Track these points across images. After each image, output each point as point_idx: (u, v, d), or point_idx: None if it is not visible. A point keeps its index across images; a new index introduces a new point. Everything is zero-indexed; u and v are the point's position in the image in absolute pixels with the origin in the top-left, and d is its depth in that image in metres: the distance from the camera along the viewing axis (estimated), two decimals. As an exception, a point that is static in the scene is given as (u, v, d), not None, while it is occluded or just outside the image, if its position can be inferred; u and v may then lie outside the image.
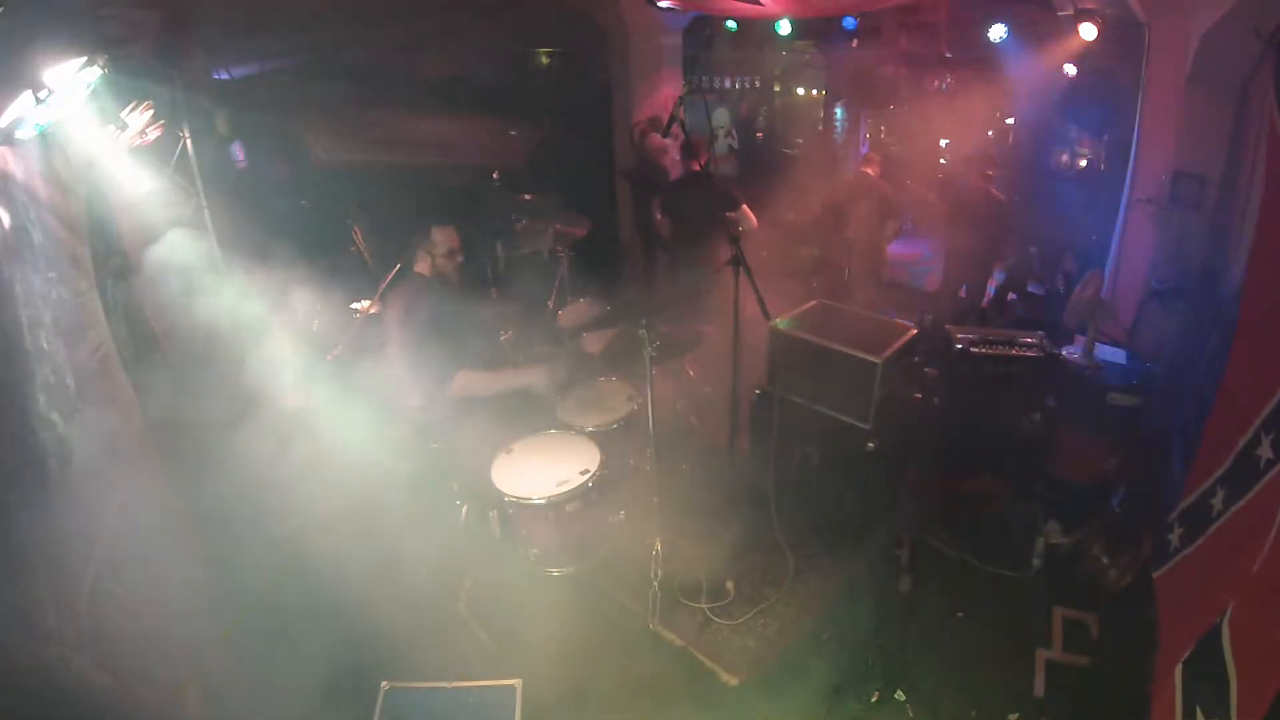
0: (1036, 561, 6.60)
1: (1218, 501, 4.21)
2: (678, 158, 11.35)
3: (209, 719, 5.08)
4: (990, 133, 13.84)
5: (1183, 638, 3.98)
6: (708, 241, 7.94)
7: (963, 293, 10.27)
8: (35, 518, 4.26)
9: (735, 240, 6.08)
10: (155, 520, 5.22)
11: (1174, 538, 4.68)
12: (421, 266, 6.32)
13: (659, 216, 10.23)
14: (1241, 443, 4.07)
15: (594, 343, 7.47)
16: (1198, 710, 3.71)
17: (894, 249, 11.36)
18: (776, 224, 9.79)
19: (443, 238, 6.41)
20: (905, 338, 6.69)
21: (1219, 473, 4.29)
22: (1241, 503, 3.96)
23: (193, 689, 5.07)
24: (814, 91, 16.92)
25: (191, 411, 6.18)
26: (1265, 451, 3.79)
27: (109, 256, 5.98)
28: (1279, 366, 3.88)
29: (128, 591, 4.87)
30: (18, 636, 4.10)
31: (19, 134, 4.36)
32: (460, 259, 6.62)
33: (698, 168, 9.75)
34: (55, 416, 4.56)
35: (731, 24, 12.70)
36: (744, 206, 9.26)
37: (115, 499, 4.90)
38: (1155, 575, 4.81)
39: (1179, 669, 3.90)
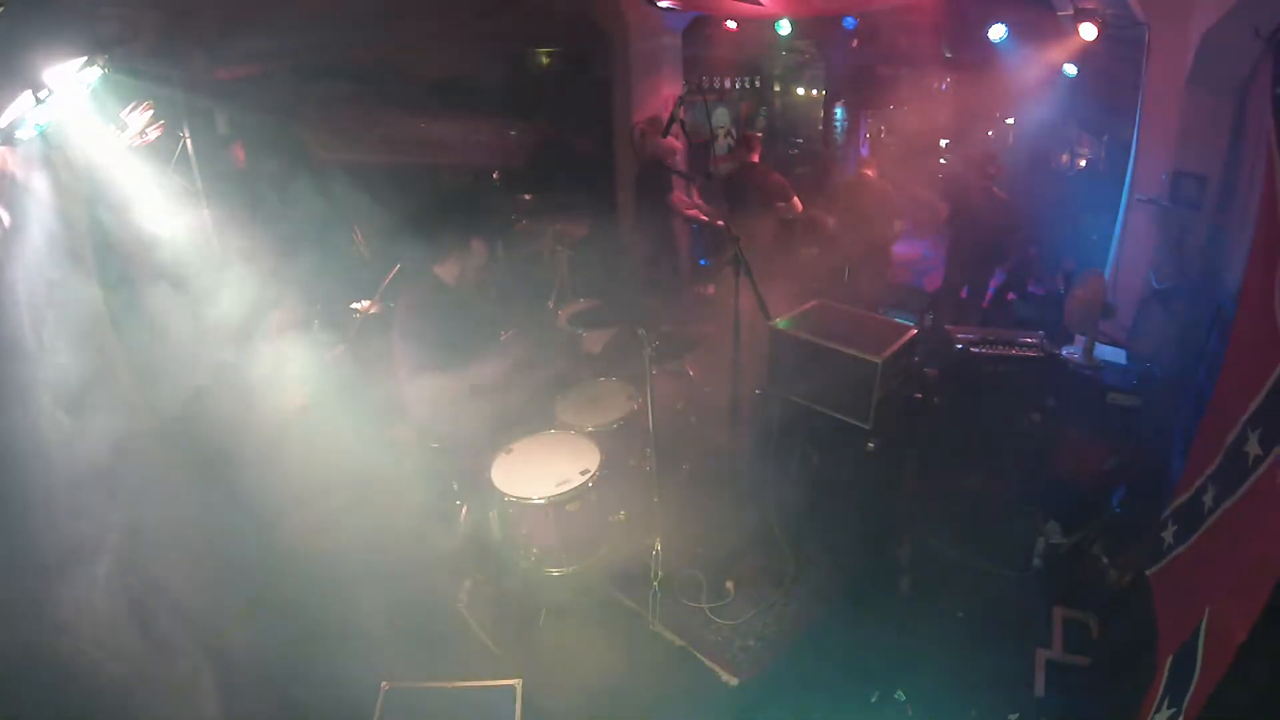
0: (1036, 561, 6.61)
1: (1208, 499, 4.23)
2: (678, 158, 11.41)
3: (218, 711, 5.10)
4: (990, 132, 13.87)
5: (1174, 634, 4.01)
6: (759, 230, 8.06)
7: (964, 293, 10.28)
8: (44, 514, 4.29)
9: (735, 240, 6.09)
10: (165, 515, 5.24)
11: (1168, 535, 4.70)
12: (447, 272, 6.30)
13: (699, 204, 10.48)
14: (1230, 439, 4.10)
15: (594, 342, 7.49)
16: (1165, 702, 3.76)
17: (895, 249, 11.37)
18: (776, 223, 9.87)
19: (481, 249, 6.43)
20: (905, 338, 6.70)
21: (1209, 470, 4.31)
22: (1231, 501, 3.97)
23: (203, 682, 5.10)
24: (814, 91, 16.92)
25: (196, 410, 6.22)
26: (1253, 448, 3.81)
27: (110, 256, 5.99)
28: (1265, 363, 3.89)
29: (140, 585, 4.91)
30: (31, 630, 4.13)
31: (19, 134, 4.39)
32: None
33: (755, 159, 9.95)
34: (60, 414, 4.58)
35: (732, 24, 12.68)
36: (795, 198, 9.47)
37: (125, 494, 4.93)
38: (1149, 573, 4.83)
39: (1168, 663, 3.93)
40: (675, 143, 10.94)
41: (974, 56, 12.20)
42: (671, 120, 6.87)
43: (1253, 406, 3.90)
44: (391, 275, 6.85)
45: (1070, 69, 10.18)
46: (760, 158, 10.24)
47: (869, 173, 10.29)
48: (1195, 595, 3.98)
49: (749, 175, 10.03)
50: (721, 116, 15.45)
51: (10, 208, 4.46)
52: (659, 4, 10.94)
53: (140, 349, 5.98)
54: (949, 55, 13.54)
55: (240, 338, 6.69)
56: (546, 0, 12.46)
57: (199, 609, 5.31)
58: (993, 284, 10.54)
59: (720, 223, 10.19)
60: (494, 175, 10.94)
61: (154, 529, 5.11)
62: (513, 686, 4.91)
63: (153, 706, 4.69)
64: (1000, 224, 9.60)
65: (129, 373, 5.59)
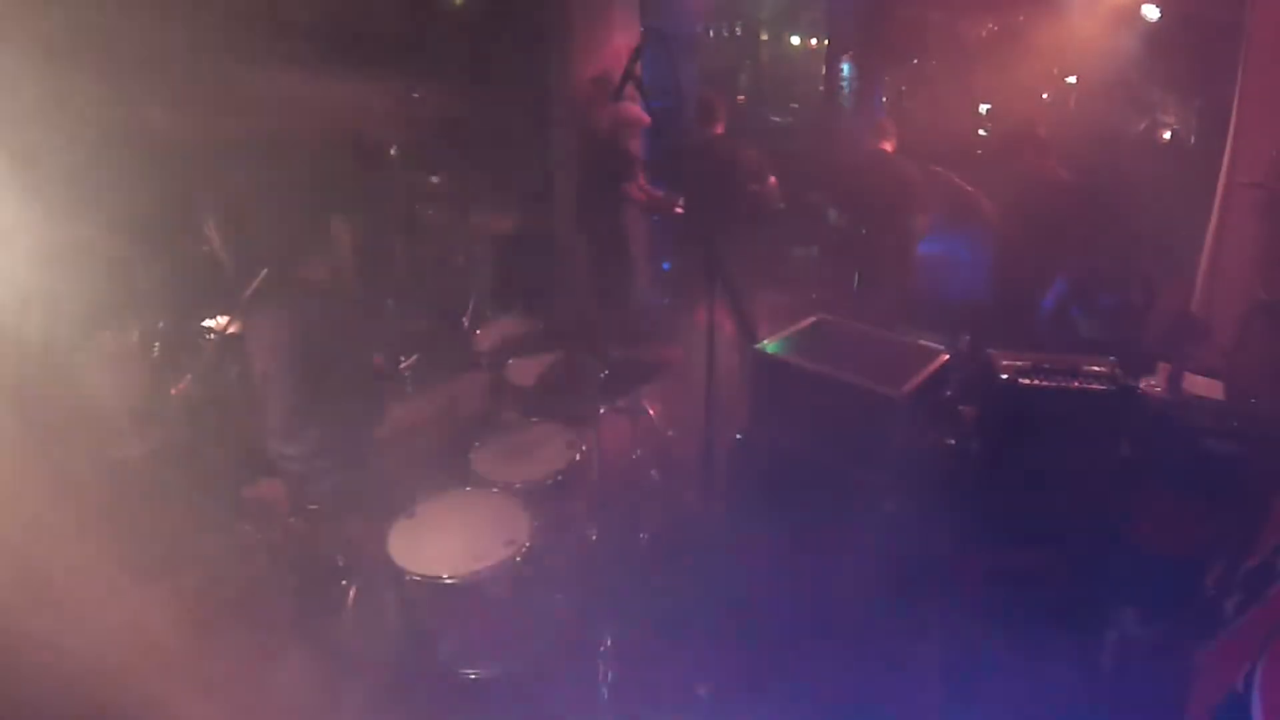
0: (1107, 660, 6.65)
1: None
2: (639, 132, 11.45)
3: None
4: (1046, 95, 13.98)
5: (1209, 699, 4.12)
6: (731, 223, 8.11)
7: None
8: None
9: (710, 238, 6.10)
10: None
11: (1230, 606, 4.79)
12: (316, 270, 6.31)
13: (645, 188, 10.44)
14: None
15: (523, 372, 7.52)
16: None
17: (921, 248, 11.40)
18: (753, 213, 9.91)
19: (346, 232, 6.44)
20: (934, 366, 6.76)
21: None
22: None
23: None
24: (813, 41, 17.01)
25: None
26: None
27: None
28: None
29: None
30: None
31: None
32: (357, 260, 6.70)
33: (719, 131, 9.98)
34: None
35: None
36: (772, 179, 9.50)
37: None
38: (1197, 656, 4.91)
39: None
40: (639, 112, 10.89)
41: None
42: (625, 79, 6.85)
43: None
44: (256, 284, 6.86)
45: (1151, 10, 10.30)
46: (727, 128, 10.26)
47: (886, 147, 10.33)
48: (1234, 658, 4.07)
49: (712, 152, 10.04)
50: (691, 73, 15.50)
51: None
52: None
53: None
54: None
55: (56, 368, 6.68)
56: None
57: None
58: (1050, 294, 10.58)
59: (678, 209, 10.28)
60: (390, 150, 10.93)
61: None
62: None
63: None
64: (1062, 216, 9.56)
65: None
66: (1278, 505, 4.79)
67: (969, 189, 10.44)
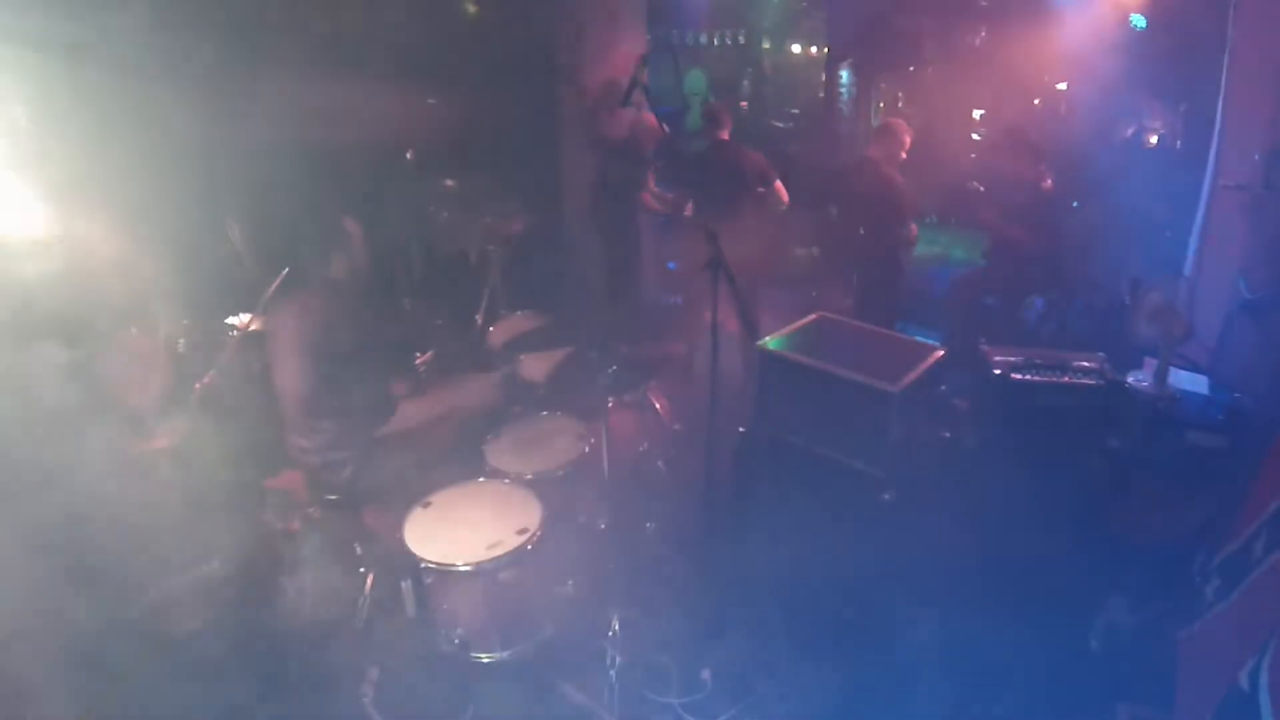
0: (1096, 645, 6.64)
1: (1259, 547, 4.33)
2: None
3: None
4: (1037, 101, 13.95)
5: (1206, 694, 4.12)
6: (736, 224, 8.10)
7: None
8: None
9: (714, 238, 6.08)
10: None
11: (1209, 591, 4.79)
12: (334, 269, 6.31)
13: (655, 191, 10.46)
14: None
15: (535, 367, 7.52)
16: None
17: (918, 249, 11.36)
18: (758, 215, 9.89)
19: (363, 233, 6.44)
20: (929, 361, 6.74)
21: (1266, 515, 4.41)
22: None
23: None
24: (813, 49, 16.95)
25: (29, 454, 6.18)
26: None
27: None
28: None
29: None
30: None
31: None
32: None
33: (725, 137, 9.99)
34: None
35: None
36: (777, 182, 9.50)
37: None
38: (1180, 638, 4.91)
39: None
40: (654, 121, 10.85)
41: (1018, 4, 12.32)
42: (633, 86, 6.82)
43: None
44: (277, 283, 6.86)
45: (1139, 20, 10.28)
46: (731, 134, 10.25)
47: (874, 155, 10.23)
48: (1230, 651, 4.08)
49: (719, 156, 10.05)
50: (696, 80, 15.48)
51: None
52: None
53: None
54: (985, 1, 13.65)
55: (82, 362, 6.69)
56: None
57: (44, 696, 5.33)
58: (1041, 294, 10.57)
59: (686, 211, 10.27)
60: (407, 155, 10.90)
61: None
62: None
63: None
64: (1050, 223, 9.57)
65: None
66: (1254, 493, 4.80)
67: (981, 189, 10.44)
